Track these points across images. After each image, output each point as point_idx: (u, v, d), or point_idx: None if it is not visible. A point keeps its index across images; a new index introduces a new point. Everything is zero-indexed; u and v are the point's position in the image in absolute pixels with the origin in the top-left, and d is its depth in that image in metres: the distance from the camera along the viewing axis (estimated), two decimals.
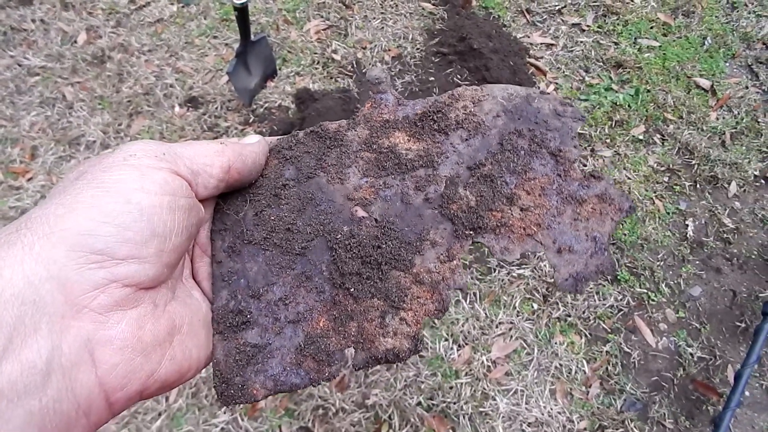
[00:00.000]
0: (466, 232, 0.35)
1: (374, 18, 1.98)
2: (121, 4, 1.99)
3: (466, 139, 0.37)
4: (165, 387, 0.28)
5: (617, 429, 1.37)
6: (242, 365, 0.32)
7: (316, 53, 1.88)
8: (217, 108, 1.78)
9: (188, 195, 0.28)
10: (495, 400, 1.40)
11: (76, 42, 1.90)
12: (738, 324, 1.48)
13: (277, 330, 0.33)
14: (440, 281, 0.34)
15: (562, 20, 1.97)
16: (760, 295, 1.49)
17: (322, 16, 1.97)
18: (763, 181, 1.67)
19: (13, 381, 0.21)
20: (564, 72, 1.85)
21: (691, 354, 1.44)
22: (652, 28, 1.94)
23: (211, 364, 0.33)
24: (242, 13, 1.49)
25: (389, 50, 1.91)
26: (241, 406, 1.37)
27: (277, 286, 0.34)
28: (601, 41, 1.91)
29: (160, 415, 1.33)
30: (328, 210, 0.35)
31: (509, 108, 0.37)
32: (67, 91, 1.80)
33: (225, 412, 1.35)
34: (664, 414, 1.39)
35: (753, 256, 1.56)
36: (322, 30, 1.94)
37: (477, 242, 0.35)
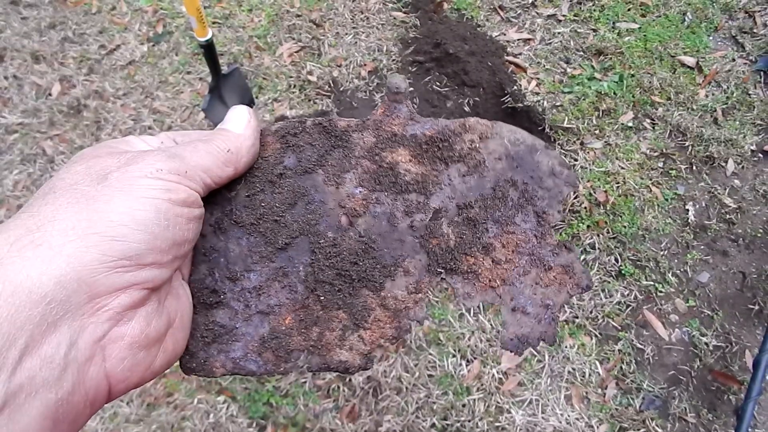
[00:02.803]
0: (438, 270, 0.36)
1: (346, 34, 1.95)
2: (91, 51, 1.97)
3: (464, 175, 0.37)
4: (155, 376, 0.29)
5: (638, 429, 1.33)
6: (208, 342, 0.34)
7: (291, 77, 1.86)
8: None
9: (200, 205, 0.30)
10: (510, 413, 1.37)
11: (50, 94, 1.89)
12: (751, 307, 1.43)
13: (246, 317, 0.34)
14: (403, 310, 0.35)
15: (537, 13, 1.93)
16: None
17: (293, 38, 1.95)
18: (761, 155, 1.62)
19: (33, 376, 0.22)
20: (544, 66, 1.81)
21: (706, 343, 1.40)
22: (629, 10, 1.90)
23: None
24: (208, 49, 1.46)
25: (365, 65, 1.88)
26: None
27: (254, 275, 0.35)
28: (579, 30, 1.87)
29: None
30: (318, 211, 0.35)
31: (512, 154, 0.37)
32: (46, 145, 1.79)
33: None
34: (685, 409, 1.35)
35: (759, 234, 1.52)
36: (295, 52, 1.92)
37: (445, 280, 0.36)
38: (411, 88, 1.82)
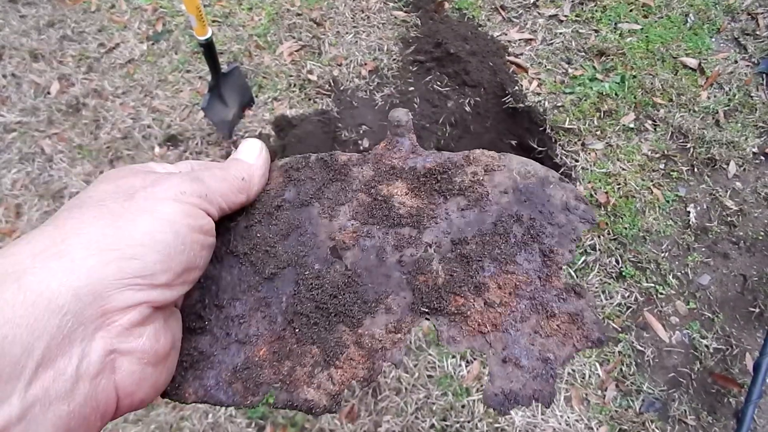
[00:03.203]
0: (422, 309, 0.33)
1: (347, 33, 1.94)
2: (90, 49, 1.96)
3: (463, 209, 0.35)
4: (151, 399, 0.29)
5: (638, 431, 1.33)
6: (185, 367, 0.33)
7: (291, 76, 1.85)
8: (197, 144, 1.75)
9: (213, 234, 0.31)
10: (510, 414, 1.36)
11: (49, 93, 1.88)
12: (752, 309, 1.43)
13: (224, 345, 0.34)
14: (379, 350, 0.33)
15: (539, 13, 1.92)
16: None
17: (294, 37, 1.94)
18: (762, 158, 1.62)
19: (47, 387, 0.23)
20: (546, 66, 1.80)
21: (706, 346, 1.40)
22: (631, 11, 1.89)
23: None
24: (208, 48, 1.46)
25: (365, 64, 1.87)
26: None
27: (240, 303, 0.34)
28: (581, 30, 1.87)
29: None
30: (309, 243, 0.35)
31: (520, 187, 0.35)
32: (45, 144, 1.78)
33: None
34: (685, 411, 1.34)
35: (760, 237, 1.51)
36: (296, 51, 1.91)
37: (429, 320, 0.33)
38: (411, 88, 1.81)
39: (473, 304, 0.33)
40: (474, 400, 1.37)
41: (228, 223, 0.35)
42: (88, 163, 1.74)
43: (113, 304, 0.25)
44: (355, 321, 0.33)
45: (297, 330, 0.33)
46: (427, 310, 0.33)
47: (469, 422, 1.35)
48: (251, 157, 0.35)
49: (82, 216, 0.26)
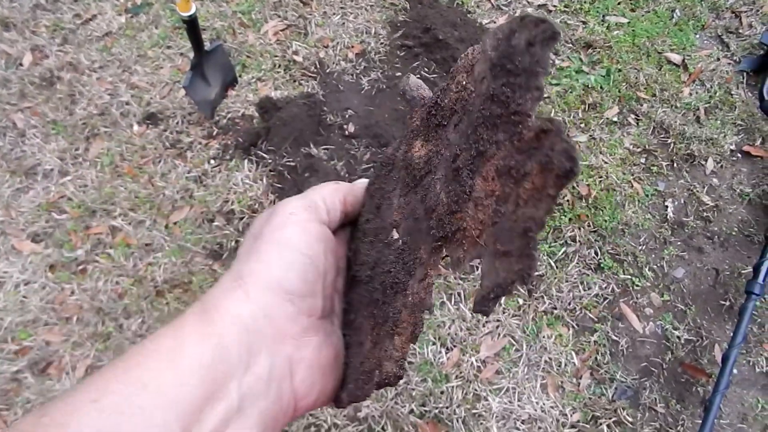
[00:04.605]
0: (436, 245, 0.32)
1: (334, 14, 1.90)
2: (65, 20, 1.88)
3: (456, 125, 0.32)
4: (322, 404, 0.35)
5: (610, 418, 1.37)
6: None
7: (276, 56, 1.81)
8: (177, 123, 1.70)
9: (331, 237, 0.36)
10: (487, 400, 1.39)
11: (21, 64, 1.80)
12: (722, 303, 1.48)
13: (355, 350, 0.37)
14: (417, 303, 0.33)
15: (528, 2, 1.92)
16: (743, 271, 1.49)
17: (279, 16, 1.89)
18: (739, 155, 1.66)
19: (251, 387, 0.29)
20: None
21: (678, 337, 1.44)
22: (619, 3, 1.90)
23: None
24: (191, 25, 1.41)
25: (352, 47, 1.84)
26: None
27: (357, 317, 0.37)
28: (569, 21, 1.87)
29: None
30: (383, 239, 0.37)
31: (495, 60, 0.29)
32: (17, 118, 1.71)
33: None
34: (655, 399, 1.39)
35: (734, 233, 1.56)
36: (281, 30, 1.87)
37: (443, 256, 0.32)
38: (399, 73, 1.79)
39: (468, 212, 0.30)
40: (453, 387, 1.39)
41: (348, 252, 0.39)
42: (63, 140, 1.68)
43: (278, 320, 0.32)
44: (403, 286, 0.34)
45: (376, 316, 0.36)
46: (439, 243, 0.32)
47: (447, 408, 1.37)
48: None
49: (247, 260, 0.34)
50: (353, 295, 0.38)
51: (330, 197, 0.38)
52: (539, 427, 1.36)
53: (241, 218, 1.56)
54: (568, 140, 0.25)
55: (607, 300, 1.49)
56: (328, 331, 0.35)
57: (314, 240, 0.35)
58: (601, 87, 1.73)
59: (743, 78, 1.76)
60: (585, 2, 1.90)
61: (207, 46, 1.59)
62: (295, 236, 0.34)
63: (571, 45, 1.82)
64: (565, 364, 1.43)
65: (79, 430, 0.24)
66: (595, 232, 1.56)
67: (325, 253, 0.35)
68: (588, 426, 1.35)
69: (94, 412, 0.25)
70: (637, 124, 1.70)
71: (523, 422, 1.37)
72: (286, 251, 0.33)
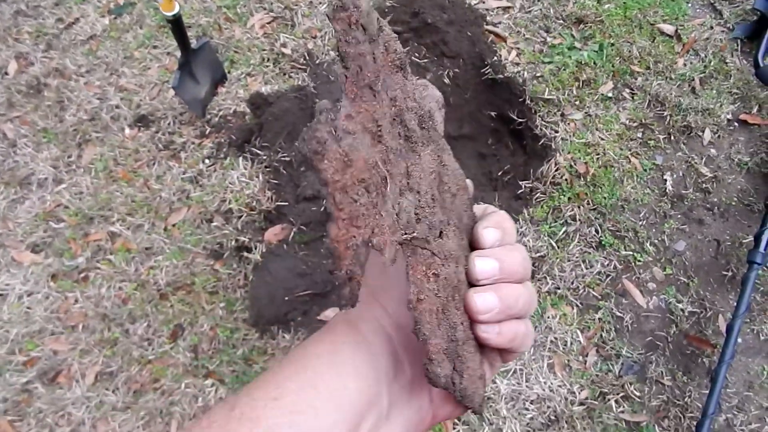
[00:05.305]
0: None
1: (320, 2, 1.87)
2: (48, 25, 1.85)
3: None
4: (459, 413, 0.37)
5: (618, 394, 1.38)
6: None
7: (264, 50, 1.78)
8: (169, 124, 1.69)
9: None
10: (495, 382, 1.40)
11: (7, 73, 1.77)
12: (725, 273, 1.48)
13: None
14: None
15: None
16: (744, 241, 1.49)
17: (265, 8, 1.86)
18: (736, 124, 1.65)
19: (398, 395, 0.32)
20: (524, 35, 1.78)
21: (681, 309, 1.45)
22: None
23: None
24: (176, 24, 1.39)
25: None
26: None
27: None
28: None
29: None
30: None
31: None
32: (6, 128, 1.69)
33: None
34: (662, 372, 1.40)
35: (733, 203, 1.55)
36: (268, 23, 1.84)
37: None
38: None
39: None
40: None
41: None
42: (55, 147, 1.66)
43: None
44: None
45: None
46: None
47: None
48: None
49: (379, 275, 0.36)
50: None
51: None
52: (548, 406, 1.37)
53: (240, 217, 1.55)
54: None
55: (610, 277, 1.49)
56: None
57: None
58: (594, 62, 1.71)
59: (737, 45, 1.74)
60: None
61: (193, 43, 1.56)
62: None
63: (562, 21, 1.79)
64: (571, 343, 1.44)
65: (268, 426, 0.27)
66: (594, 209, 1.55)
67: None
68: (596, 402, 1.37)
69: (277, 409, 0.28)
70: (633, 98, 1.68)
71: (531, 402, 1.39)
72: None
